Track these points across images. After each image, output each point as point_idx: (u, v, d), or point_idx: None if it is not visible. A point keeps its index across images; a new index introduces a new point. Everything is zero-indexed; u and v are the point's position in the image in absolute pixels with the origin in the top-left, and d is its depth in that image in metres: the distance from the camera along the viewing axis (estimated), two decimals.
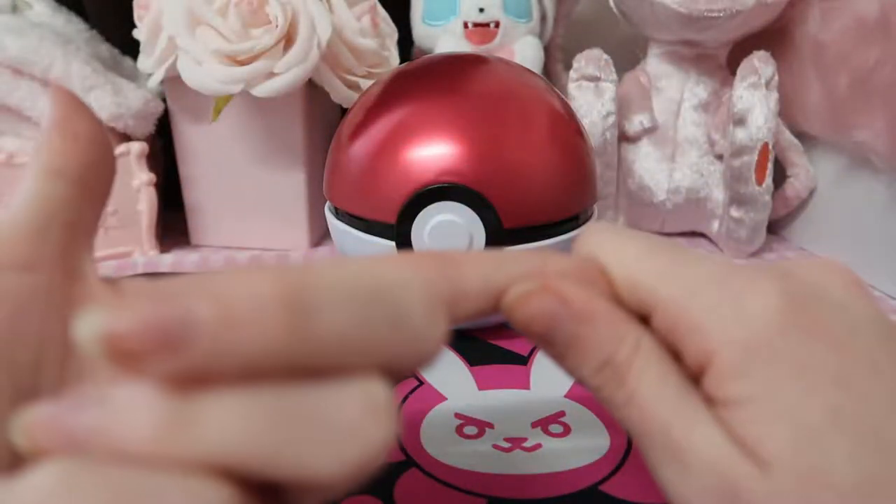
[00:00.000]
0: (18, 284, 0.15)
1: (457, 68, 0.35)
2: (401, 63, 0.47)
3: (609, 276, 0.17)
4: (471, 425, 0.30)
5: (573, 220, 0.35)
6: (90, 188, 0.18)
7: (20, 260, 0.16)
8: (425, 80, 0.35)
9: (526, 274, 0.17)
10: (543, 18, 0.58)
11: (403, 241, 0.33)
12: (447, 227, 0.32)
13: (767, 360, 0.15)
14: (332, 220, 0.37)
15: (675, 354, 0.17)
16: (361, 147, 0.34)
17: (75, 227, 0.17)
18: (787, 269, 0.17)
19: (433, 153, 0.32)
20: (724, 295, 0.16)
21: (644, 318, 0.17)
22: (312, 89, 0.47)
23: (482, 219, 0.32)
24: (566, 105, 0.36)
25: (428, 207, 0.32)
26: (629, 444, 0.29)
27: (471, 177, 0.32)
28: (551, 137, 0.34)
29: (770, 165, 0.49)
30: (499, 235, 0.32)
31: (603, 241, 0.18)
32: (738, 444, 0.15)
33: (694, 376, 0.16)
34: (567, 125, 0.35)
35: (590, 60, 0.52)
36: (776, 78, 0.49)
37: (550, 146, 0.33)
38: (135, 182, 0.49)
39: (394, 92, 0.35)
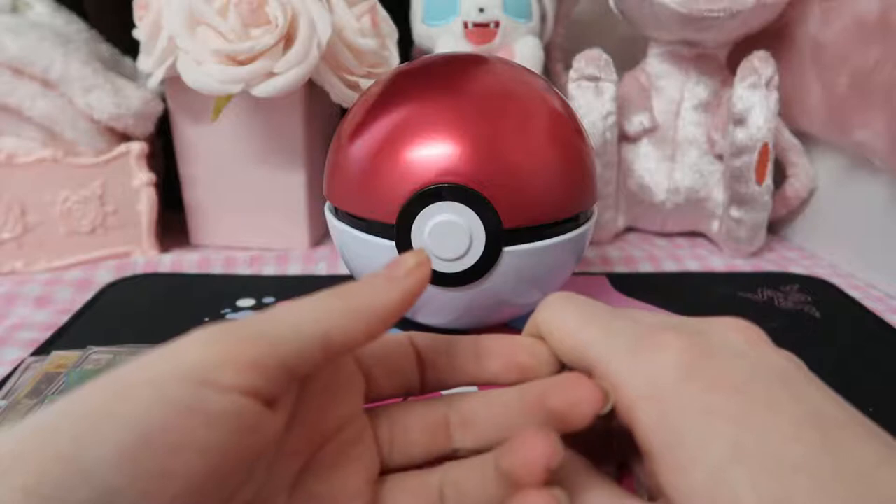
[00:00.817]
0: (262, 417, 0.16)
1: (457, 68, 0.35)
2: (401, 63, 0.47)
3: (552, 344, 0.21)
4: None
5: (573, 220, 0.35)
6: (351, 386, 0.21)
7: (273, 394, 0.17)
8: (425, 80, 0.35)
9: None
10: (543, 18, 0.58)
11: (403, 241, 0.33)
12: (447, 227, 0.32)
13: (674, 411, 0.16)
14: (331, 220, 0.37)
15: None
16: (361, 147, 0.34)
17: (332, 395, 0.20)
18: (697, 326, 0.19)
19: (433, 153, 0.32)
20: (639, 356, 0.18)
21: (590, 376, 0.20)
22: (312, 89, 0.47)
23: (482, 219, 0.32)
24: (566, 105, 0.36)
25: (428, 207, 0.32)
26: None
27: (471, 177, 0.32)
28: (551, 137, 0.34)
29: (770, 165, 0.49)
30: (499, 235, 0.32)
31: (550, 316, 0.21)
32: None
33: (629, 433, 0.18)
34: (567, 125, 0.35)
35: (590, 60, 0.52)
36: (776, 78, 0.49)
37: (550, 146, 0.33)
38: (135, 182, 0.49)
39: (394, 92, 0.35)
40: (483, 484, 0.20)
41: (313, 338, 0.17)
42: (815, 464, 0.15)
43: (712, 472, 0.15)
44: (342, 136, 0.36)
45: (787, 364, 0.18)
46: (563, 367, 0.21)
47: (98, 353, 0.34)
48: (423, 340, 0.23)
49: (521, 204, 0.32)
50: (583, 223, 0.36)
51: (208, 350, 0.16)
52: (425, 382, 0.22)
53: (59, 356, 0.34)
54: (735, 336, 0.19)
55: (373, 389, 0.22)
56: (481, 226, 0.32)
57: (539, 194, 0.33)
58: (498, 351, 0.22)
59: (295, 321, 0.17)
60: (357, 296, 0.19)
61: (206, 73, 0.41)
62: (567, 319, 0.20)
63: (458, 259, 0.33)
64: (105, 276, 0.47)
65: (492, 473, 0.20)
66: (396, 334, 0.23)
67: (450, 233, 0.32)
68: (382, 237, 0.33)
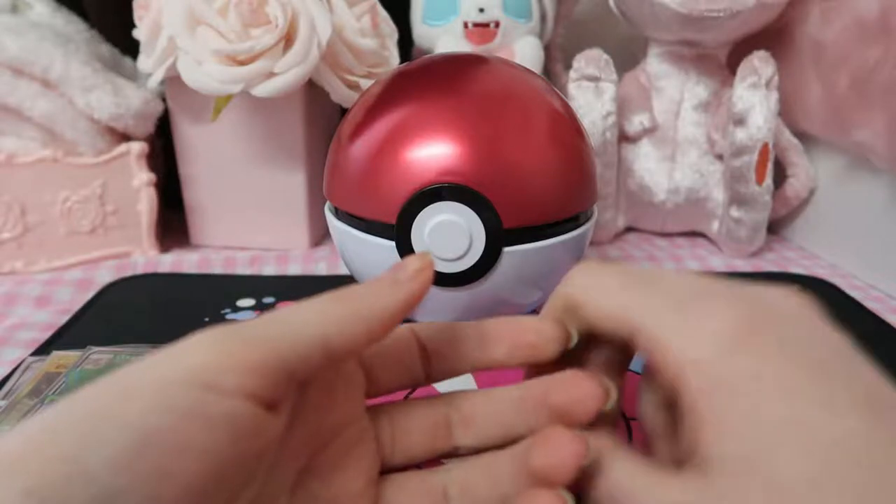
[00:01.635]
0: (260, 420, 0.16)
1: (457, 68, 0.35)
2: (401, 63, 0.47)
3: (588, 311, 0.20)
4: None
5: (573, 220, 0.35)
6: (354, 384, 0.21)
7: (275, 398, 0.17)
8: (425, 80, 0.35)
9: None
10: (543, 18, 0.58)
11: (403, 241, 0.33)
12: (447, 227, 0.32)
13: (723, 378, 0.16)
14: (332, 220, 0.37)
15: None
16: (361, 147, 0.34)
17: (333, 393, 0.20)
18: (749, 293, 0.18)
19: (433, 153, 0.32)
20: (687, 320, 0.17)
21: (626, 343, 0.19)
22: (312, 89, 0.47)
23: (482, 219, 0.32)
24: (566, 105, 0.36)
25: (428, 207, 0.32)
26: (629, 441, 0.28)
27: (471, 177, 0.32)
28: (551, 137, 0.34)
29: (770, 165, 0.49)
30: (499, 235, 0.32)
31: (586, 281, 0.20)
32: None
33: (672, 395, 0.17)
34: (567, 125, 0.35)
35: (590, 60, 0.52)
36: (776, 78, 0.49)
37: (550, 146, 0.33)
38: (135, 182, 0.49)
39: (394, 92, 0.35)
40: (492, 482, 0.20)
41: (315, 341, 0.17)
42: (864, 443, 0.14)
43: (757, 442, 0.15)
44: (342, 136, 0.36)
45: (841, 338, 0.17)
46: (566, 347, 0.21)
47: (98, 353, 0.34)
48: (425, 331, 0.22)
49: (521, 204, 0.32)
50: (583, 223, 0.36)
51: (211, 353, 0.16)
52: (430, 373, 0.22)
53: (59, 356, 0.34)
54: (787, 304, 0.18)
55: (376, 385, 0.22)
56: (481, 226, 0.32)
57: (539, 194, 0.33)
58: (502, 334, 0.22)
59: (297, 325, 0.17)
60: (359, 299, 0.19)
61: (206, 73, 0.41)
62: (605, 283, 0.20)
63: (458, 259, 0.33)
64: (105, 276, 0.47)
65: (503, 472, 0.20)
66: (398, 327, 0.23)
67: (450, 233, 0.32)
68: (382, 237, 0.33)
